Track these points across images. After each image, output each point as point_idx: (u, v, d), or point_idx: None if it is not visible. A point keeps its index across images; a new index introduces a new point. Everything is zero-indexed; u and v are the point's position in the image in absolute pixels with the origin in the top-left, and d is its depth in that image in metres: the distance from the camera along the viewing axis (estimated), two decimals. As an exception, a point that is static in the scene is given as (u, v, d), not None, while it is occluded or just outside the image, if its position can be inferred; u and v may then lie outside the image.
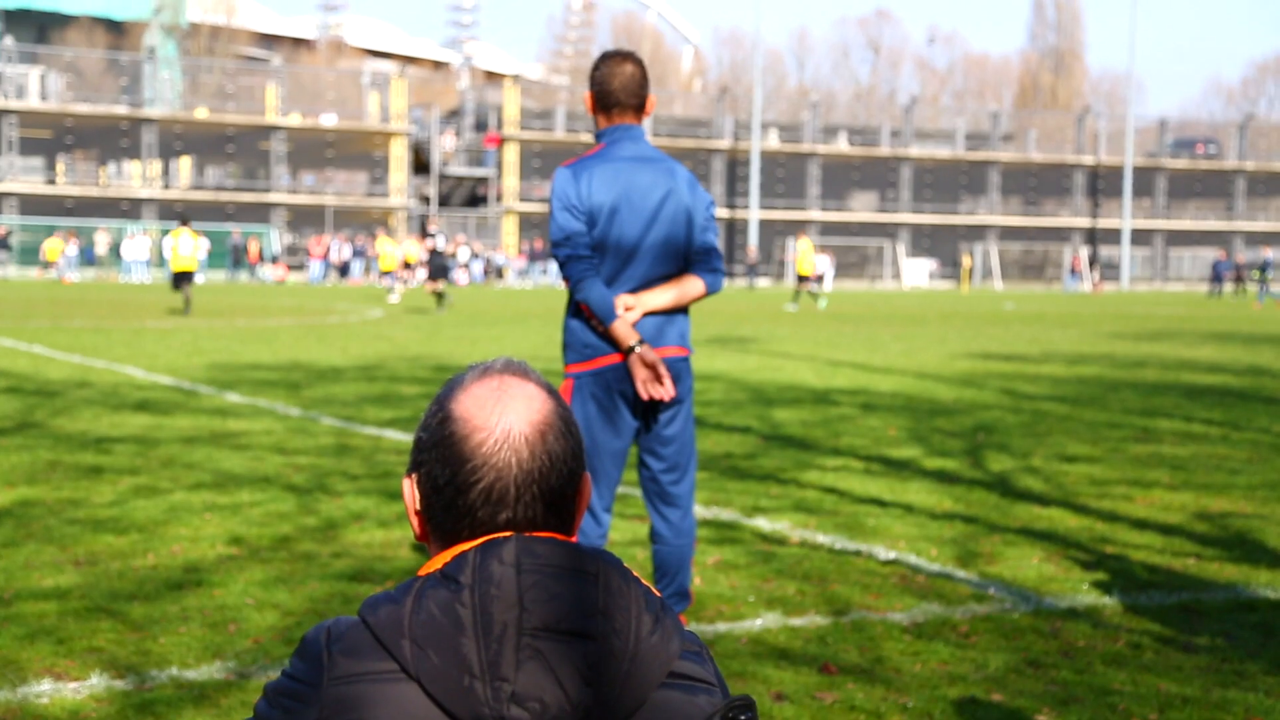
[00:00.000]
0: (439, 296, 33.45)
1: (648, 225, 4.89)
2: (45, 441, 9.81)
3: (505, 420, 1.66)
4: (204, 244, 50.04)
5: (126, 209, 63.99)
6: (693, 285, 4.98)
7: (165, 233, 60.36)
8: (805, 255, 39.24)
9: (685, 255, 4.98)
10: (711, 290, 5.03)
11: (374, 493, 8.03)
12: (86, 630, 5.14)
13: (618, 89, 4.91)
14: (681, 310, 5.01)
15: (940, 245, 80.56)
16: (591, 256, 4.85)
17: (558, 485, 1.68)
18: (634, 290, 4.92)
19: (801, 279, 39.62)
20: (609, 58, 4.95)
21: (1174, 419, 12.50)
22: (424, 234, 36.63)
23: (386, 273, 43.26)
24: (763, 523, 7.40)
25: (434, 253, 34.03)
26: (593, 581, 1.60)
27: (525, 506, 1.66)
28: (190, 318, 28.31)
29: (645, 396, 4.83)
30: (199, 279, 52.38)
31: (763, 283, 73.17)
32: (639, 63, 4.97)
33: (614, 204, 4.85)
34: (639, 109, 4.96)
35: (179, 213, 34.05)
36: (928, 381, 15.92)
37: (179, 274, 29.64)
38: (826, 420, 12.11)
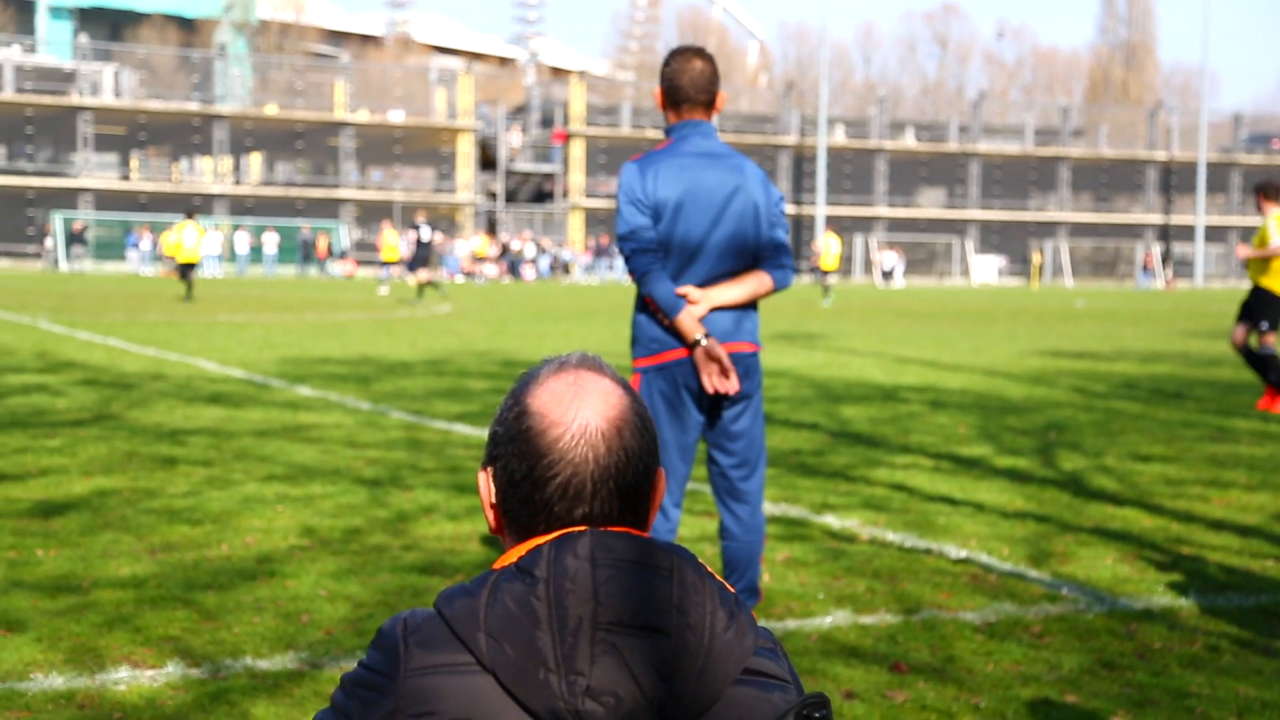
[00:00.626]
0: (422, 288, 34.70)
1: (714, 222, 4.88)
2: (121, 433, 9.94)
3: (582, 415, 1.66)
4: (209, 237, 53.60)
5: (198, 204, 64.71)
6: (761, 281, 4.96)
7: (236, 228, 61.09)
8: (829, 250, 39.36)
9: (753, 253, 4.95)
10: (780, 286, 5.01)
11: (444, 486, 8.07)
12: (162, 619, 5.21)
13: (687, 85, 4.91)
14: (750, 306, 4.99)
15: (1009, 242, 79.91)
16: (656, 251, 4.85)
17: (634, 480, 1.68)
18: (701, 286, 4.91)
19: (821, 273, 39.61)
20: (679, 53, 4.95)
21: (1250, 418, 12.32)
22: (490, 231, 37.52)
23: (388, 263, 42.55)
24: (832, 520, 7.37)
25: (419, 244, 34.75)
26: (667, 576, 1.59)
27: (602, 502, 1.66)
28: (194, 304, 30.38)
29: (710, 390, 4.82)
30: (205, 271, 54.87)
31: (830, 279, 72.85)
32: (709, 59, 4.97)
33: (680, 199, 4.85)
34: (709, 105, 4.96)
35: (195, 206, 35.57)
36: (998, 379, 15.80)
37: (184, 265, 31.78)
38: (895, 417, 12.04)
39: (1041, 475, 8.98)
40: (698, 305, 4.85)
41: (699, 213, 4.86)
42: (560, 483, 1.65)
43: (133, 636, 4.99)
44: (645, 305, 4.92)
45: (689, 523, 7.15)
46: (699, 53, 4.96)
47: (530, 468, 1.66)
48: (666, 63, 4.97)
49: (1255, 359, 12.74)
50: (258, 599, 5.52)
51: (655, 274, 4.81)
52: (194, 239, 31.74)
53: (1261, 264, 12.99)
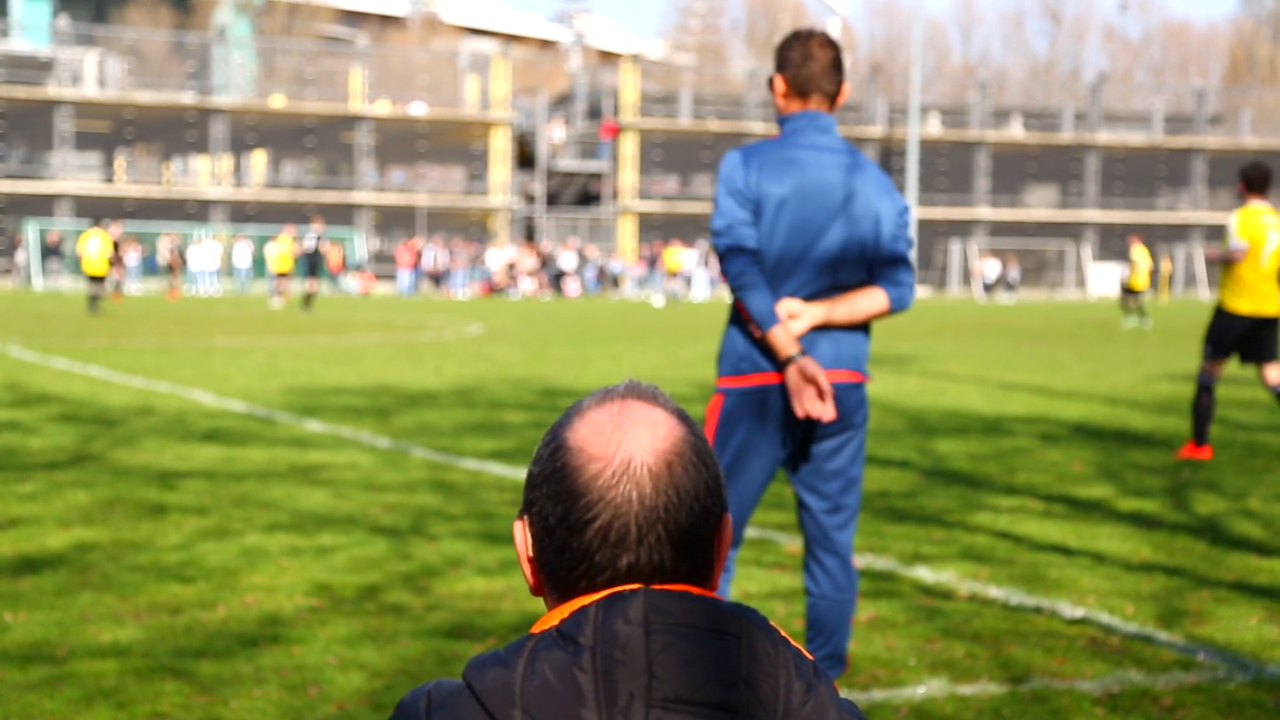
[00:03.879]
0: (307, 297, 39.91)
1: (824, 226, 4.87)
2: (103, 476, 10.03)
3: (625, 449, 1.66)
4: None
5: (193, 211, 65.32)
6: (874, 298, 4.93)
7: (236, 237, 61.67)
8: (1141, 263, 37.43)
9: (867, 267, 4.94)
10: (897, 307, 4.98)
11: (474, 536, 8.09)
12: (149, 692, 5.24)
13: (819, 73, 4.95)
14: (860, 328, 4.97)
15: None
16: (755, 251, 4.84)
17: (688, 524, 1.67)
18: (801, 301, 4.89)
19: (1131, 292, 37.82)
20: (805, 38, 5.00)
21: None
22: (528, 239, 41.07)
23: (279, 275, 45.81)
24: (925, 573, 7.34)
25: (307, 254, 41.36)
26: (734, 644, 1.59)
27: (649, 549, 1.66)
28: (98, 317, 32.84)
29: (800, 414, 4.79)
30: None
31: (922, 292, 72.65)
32: (836, 46, 5.03)
33: (784, 197, 4.85)
34: (834, 96, 5.00)
35: (93, 215, 38.56)
36: (1120, 408, 15.69)
37: (91, 277, 34.98)
38: (999, 453, 11.99)
39: (1172, 521, 8.90)
40: (798, 320, 4.84)
41: (807, 214, 4.86)
42: (600, 526, 1.65)
43: (116, 713, 5.03)
44: (740, 317, 4.92)
45: (758, 577, 7.14)
46: (827, 37, 5.01)
47: (566, 511, 1.67)
48: (789, 48, 4.99)
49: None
50: (259, 669, 5.55)
51: (751, 277, 4.81)
52: (96, 249, 34.73)
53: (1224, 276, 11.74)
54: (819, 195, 4.88)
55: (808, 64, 4.94)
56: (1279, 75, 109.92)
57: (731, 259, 4.85)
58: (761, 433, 4.90)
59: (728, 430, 4.90)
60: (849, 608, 5.09)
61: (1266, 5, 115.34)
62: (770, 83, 5.04)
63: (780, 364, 4.81)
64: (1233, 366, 22.25)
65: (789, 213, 4.86)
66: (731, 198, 4.87)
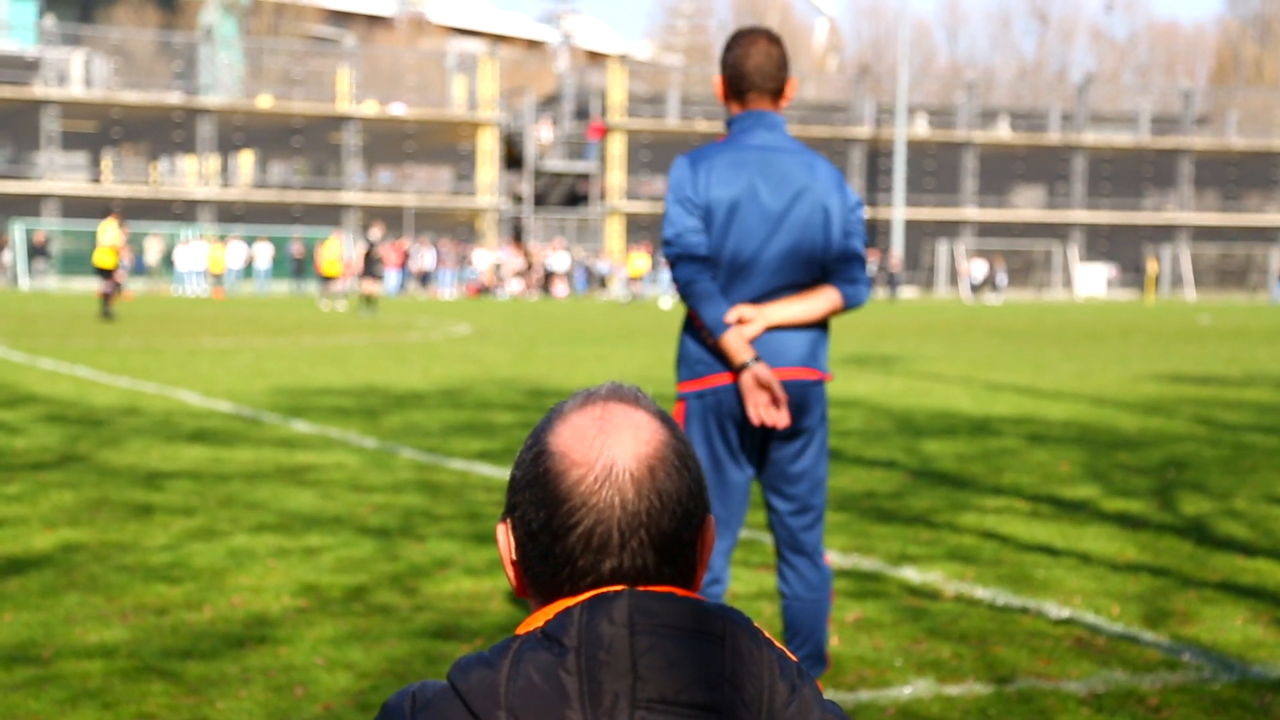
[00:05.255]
0: (368, 299, 40.05)
1: (774, 227, 4.88)
2: (90, 477, 10.01)
3: (608, 454, 1.66)
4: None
5: (180, 211, 65.20)
6: (827, 297, 4.95)
7: (224, 237, 61.57)
8: None
9: (821, 265, 4.95)
10: (851, 304, 5.00)
11: (462, 536, 8.09)
12: (135, 693, 5.23)
13: (753, 71, 4.93)
14: (817, 326, 4.98)
15: (1120, 248, 79.52)
16: (706, 259, 4.86)
17: (671, 529, 1.67)
18: (755, 301, 4.90)
19: None
20: (742, 36, 4.99)
21: (1404, 453, 12.21)
22: (516, 239, 41.37)
23: (329, 278, 46.14)
24: (911, 573, 7.35)
25: (368, 257, 41.21)
26: (718, 645, 1.59)
27: (632, 554, 1.66)
28: (111, 321, 31.63)
29: (755, 421, 4.81)
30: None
31: (908, 293, 72.71)
32: (776, 40, 5.01)
33: (735, 200, 4.86)
34: (777, 94, 4.98)
35: (105, 208, 36.33)
36: (1107, 408, 15.72)
37: (99, 270, 32.86)
38: (986, 453, 12.00)
39: (1159, 521, 8.92)
40: (750, 325, 4.84)
41: (757, 216, 4.87)
42: (582, 532, 1.66)
43: (101, 714, 5.02)
44: (694, 323, 4.93)
45: (744, 577, 7.15)
46: (765, 34, 5.00)
47: (549, 516, 1.67)
48: (728, 47, 4.99)
49: None
50: (246, 669, 5.55)
51: (702, 285, 4.82)
52: (110, 238, 32.80)
53: None
54: (769, 196, 4.89)
55: (750, 63, 4.93)
56: (1265, 76, 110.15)
57: (682, 266, 4.87)
58: (728, 434, 4.91)
59: (696, 435, 4.90)
60: (824, 606, 5.10)
61: (1252, 6, 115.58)
62: (714, 84, 5.05)
63: (734, 370, 4.83)
64: (1225, 367, 22.29)
65: (740, 215, 4.86)
66: (680, 205, 4.88)
